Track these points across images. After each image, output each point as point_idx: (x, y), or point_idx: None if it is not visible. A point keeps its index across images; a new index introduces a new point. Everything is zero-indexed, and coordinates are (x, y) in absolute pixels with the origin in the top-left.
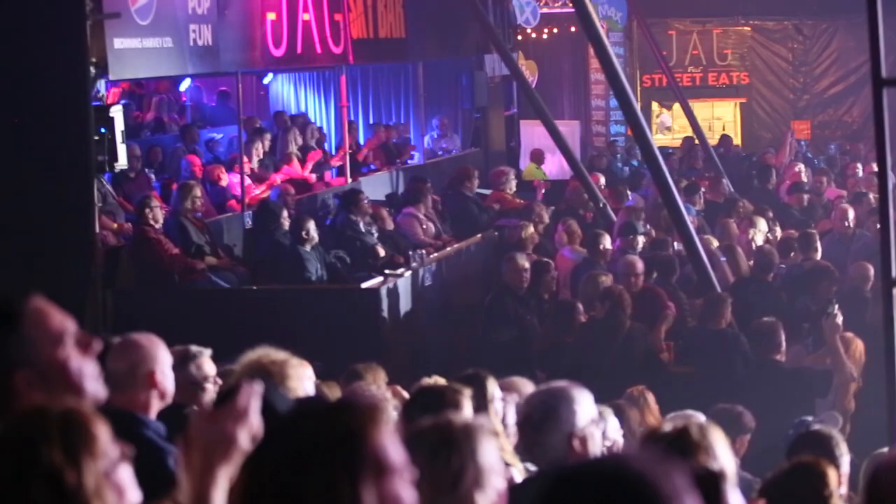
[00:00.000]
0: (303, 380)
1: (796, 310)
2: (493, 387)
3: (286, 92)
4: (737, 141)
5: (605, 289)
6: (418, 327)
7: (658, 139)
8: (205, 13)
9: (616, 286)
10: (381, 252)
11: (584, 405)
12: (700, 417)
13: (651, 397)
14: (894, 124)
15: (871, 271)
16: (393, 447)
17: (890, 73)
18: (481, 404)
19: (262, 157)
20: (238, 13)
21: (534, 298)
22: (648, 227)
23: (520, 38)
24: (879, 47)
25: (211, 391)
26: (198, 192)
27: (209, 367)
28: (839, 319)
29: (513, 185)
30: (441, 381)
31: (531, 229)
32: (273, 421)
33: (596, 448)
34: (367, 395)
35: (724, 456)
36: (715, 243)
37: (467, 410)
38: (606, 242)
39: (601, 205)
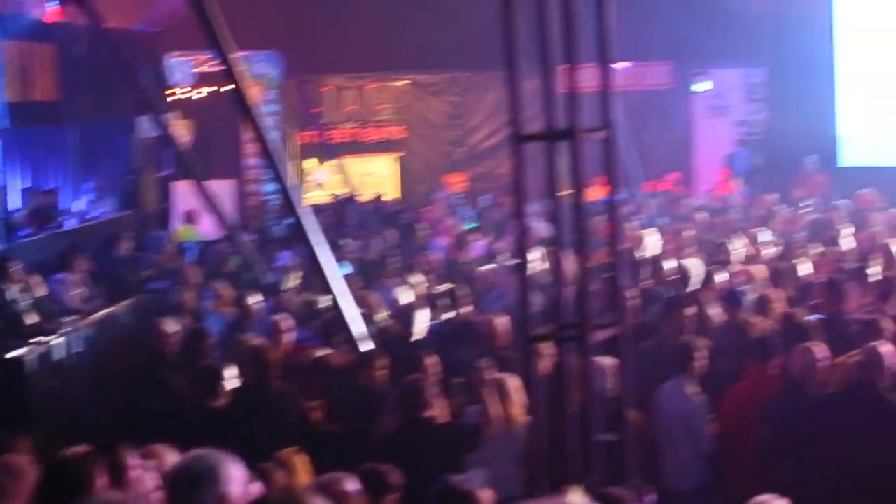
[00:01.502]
0: None
1: (450, 364)
2: (128, 456)
3: None
4: (394, 195)
5: (251, 351)
6: (70, 395)
7: (313, 196)
8: None
9: (261, 347)
10: (32, 319)
11: (232, 470)
12: (346, 479)
13: (300, 459)
14: (538, 176)
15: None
16: None
17: (529, 128)
18: (117, 474)
19: None
20: None
21: (188, 364)
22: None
23: (176, 97)
24: (518, 102)
25: None
26: None
27: None
28: (492, 373)
29: (171, 247)
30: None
31: (187, 293)
32: None
33: None
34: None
35: None
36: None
37: (100, 481)
38: (252, 304)
39: (254, 265)
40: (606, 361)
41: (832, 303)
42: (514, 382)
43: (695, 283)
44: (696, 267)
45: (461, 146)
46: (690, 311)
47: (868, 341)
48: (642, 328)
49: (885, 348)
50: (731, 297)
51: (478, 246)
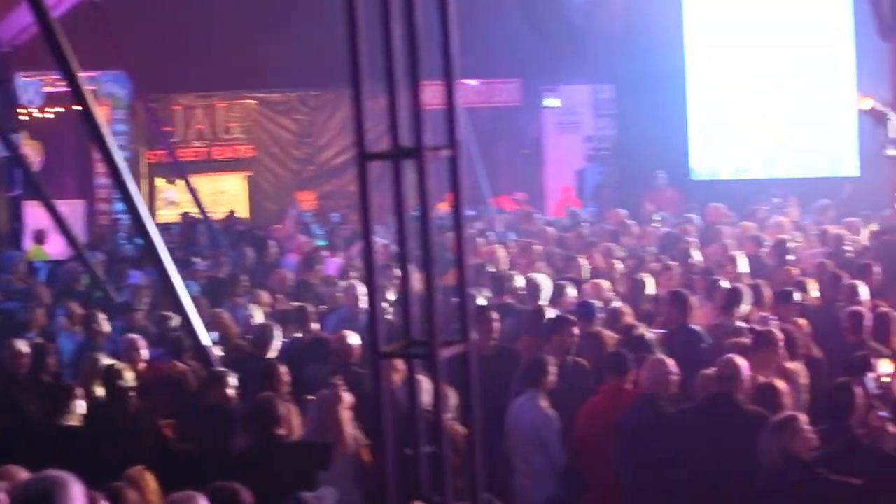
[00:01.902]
0: None
1: (302, 381)
2: None
3: None
4: (244, 213)
5: (105, 370)
6: None
7: (163, 215)
8: None
9: (115, 366)
10: None
11: (74, 490)
12: (198, 498)
13: (150, 477)
14: (384, 194)
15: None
16: None
17: (377, 146)
18: None
19: None
20: None
21: (37, 383)
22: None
23: (25, 117)
24: (362, 120)
25: None
26: None
27: None
28: (342, 391)
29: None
30: None
31: (38, 312)
32: None
33: None
34: None
35: None
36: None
37: None
38: (103, 323)
39: (103, 285)
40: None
41: (677, 316)
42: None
43: (545, 297)
44: (545, 282)
45: (311, 164)
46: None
47: (763, 351)
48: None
49: (741, 360)
50: (583, 312)
51: (330, 263)
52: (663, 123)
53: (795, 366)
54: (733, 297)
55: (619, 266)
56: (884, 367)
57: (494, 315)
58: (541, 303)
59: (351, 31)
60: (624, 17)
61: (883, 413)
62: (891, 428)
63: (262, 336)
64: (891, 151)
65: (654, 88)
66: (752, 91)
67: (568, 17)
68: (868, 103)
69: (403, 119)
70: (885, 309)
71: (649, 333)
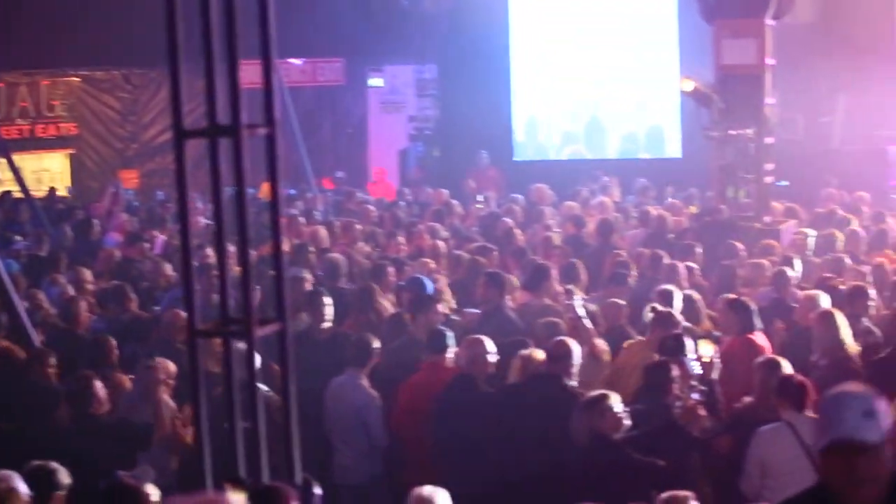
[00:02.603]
0: None
1: (122, 360)
2: None
3: None
4: (66, 191)
5: None
6: None
7: None
8: None
9: None
10: None
11: None
12: (14, 478)
13: None
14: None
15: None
16: None
17: (196, 123)
18: None
19: None
20: None
21: None
22: None
23: None
24: (180, 98)
25: None
26: None
27: None
28: (159, 371)
29: None
30: None
31: None
32: None
33: None
34: None
35: None
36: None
37: None
38: None
39: None
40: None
41: (494, 296)
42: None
43: (370, 277)
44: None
45: (134, 142)
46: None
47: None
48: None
49: (572, 342)
50: (414, 286)
51: (157, 242)
52: (487, 104)
53: (602, 343)
54: (540, 274)
55: (442, 246)
56: (704, 348)
57: (326, 299)
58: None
59: (169, 9)
60: None
61: (695, 395)
62: (701, 410)
63: (69, 312)
64: (712, 133)
65: (478, 69)
66: (576, 69)
67: None
68: (690, 85)
69: (222, 97)
70: (691, 292)
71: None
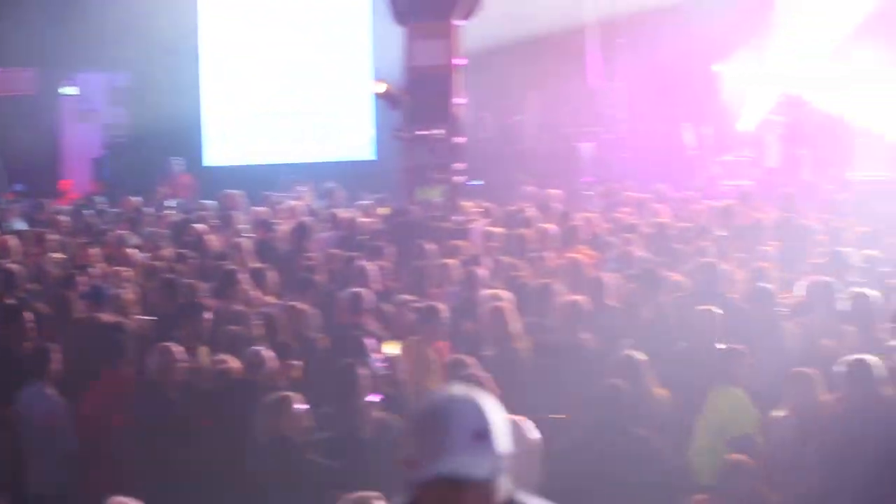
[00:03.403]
0: None
1: None
2: None
3: None
4: None
5: None
6: None
7: None
8: None
9: None
10: None
11: None
12: None
13: None
14: None
15: None
16: None
17: None
18: None
19: None
20: None
21: None
22: None
23: None
24: None
25: None
26: None
27: None
28: None
29: None
30: None
31: None
32: None
33: None
34: None
35: None
36: None
37: None
38: None
39: None
40: None
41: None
42: None
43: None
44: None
45: None
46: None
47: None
48: None
49: (266, 351)
50: (93, 296)
51: None
52: (177, 110)
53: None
54: (228, 280)
55: (134, 253)
56: (389, 349)
57: (28, 315)
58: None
59: None
60: (139, 5)
61: (372, 397)
62: (375, 413)
63: None
64: (402, 134)
65: (168, 76)
66: (269, 77)
67: (84, 5)
68: (381, 87)
69: None
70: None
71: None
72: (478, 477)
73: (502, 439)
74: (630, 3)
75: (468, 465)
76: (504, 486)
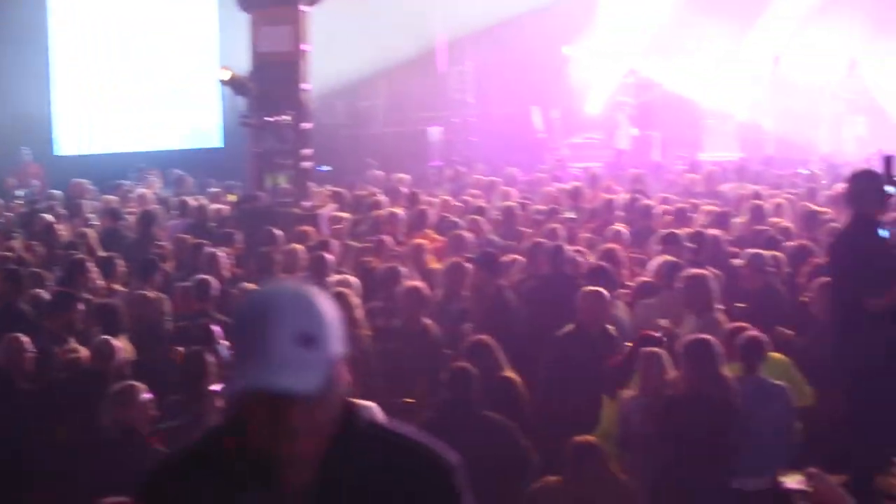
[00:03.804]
0: None
1: None
2: None
3: None
4: None
5: None
6: None
7: None
8: None
9: None
10: None
11: None
12: None
13: None
14: None
15: None
16: None
17: None
18: None
19: None
20: None
21: None
22: None
23: None
24: None
25: None
26: None
27: None
28: None
29: None
30: None
31: None
32: None
33: None
34: None
35: None
36: None
37: None
38: None
39: None
40: None
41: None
42: None
43: None
44: None
45: None
46: None
47: None
48: None
49: (117, 342)
50: None
51: None
52: (26, 99)
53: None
54: (75, 269)
55: None
56: None
57: None
58: None
59: None
60: None
61: (215, 387)
62: (218, 402)
63: None
64: (249, 120)
65: (16, 63)
66: (118, 66)
67: None
68: (227, 74)
69: None
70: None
71: None
72: (302, 391)
73: (335, 343)
74: None
75: (290, 376)
76: (338, 400)
